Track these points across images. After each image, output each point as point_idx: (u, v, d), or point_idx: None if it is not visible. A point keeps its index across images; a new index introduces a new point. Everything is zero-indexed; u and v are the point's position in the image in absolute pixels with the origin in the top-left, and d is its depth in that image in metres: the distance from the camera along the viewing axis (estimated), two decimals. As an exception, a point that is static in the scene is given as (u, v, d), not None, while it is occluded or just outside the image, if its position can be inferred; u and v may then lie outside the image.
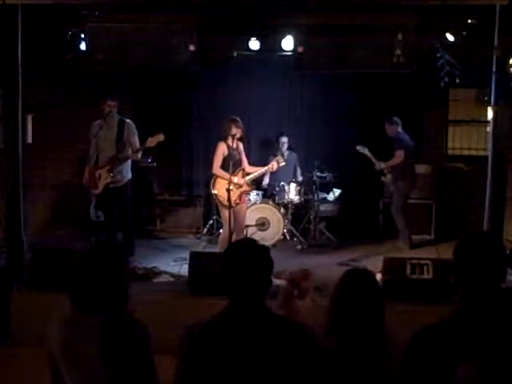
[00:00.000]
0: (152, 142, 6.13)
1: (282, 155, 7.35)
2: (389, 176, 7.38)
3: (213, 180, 6.42)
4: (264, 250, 2.21)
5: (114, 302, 2.28)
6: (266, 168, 6.74)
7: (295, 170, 8.26)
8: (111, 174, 6.23)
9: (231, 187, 6.12)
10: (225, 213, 6.33)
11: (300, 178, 8.13)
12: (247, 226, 6.93)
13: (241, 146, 6.53)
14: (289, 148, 8.19)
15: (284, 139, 8.13)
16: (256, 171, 6.66)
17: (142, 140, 6.30)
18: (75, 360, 2.23)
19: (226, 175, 6.17)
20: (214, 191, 6.39)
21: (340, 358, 2.36)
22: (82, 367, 2.22)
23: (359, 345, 2.38)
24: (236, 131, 6.29)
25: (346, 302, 2.43)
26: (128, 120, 6.41)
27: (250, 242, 2.26)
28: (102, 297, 2.26)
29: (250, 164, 6.76)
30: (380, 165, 7.28)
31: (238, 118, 6.35)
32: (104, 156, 6.33)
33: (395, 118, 7.26)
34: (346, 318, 2.41)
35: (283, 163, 6.93)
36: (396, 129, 7.25)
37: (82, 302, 2.27)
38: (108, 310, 2.26)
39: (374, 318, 2.41)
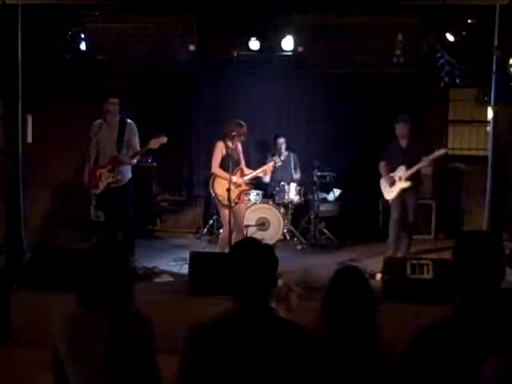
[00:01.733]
0: (155, 143, 6.07)
1: (279, 156, 7.36)
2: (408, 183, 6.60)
3: (212, 179, 6.43)
4: (269, 249, 2.23)
5: (118, 298, 2.30)
6: (262, 169, 6.73)
7: (293, 170, 8.21)
8: (112, 174, 6.21)
9: (232, 186, 6.15)
10: (224, 212, 6.33)
11: (297, 176, 8.09)
12: (247, 226, 6.93)
13: (239, 146, 6.55)
14: (288, 148, 8.19)
15: (281, 140, 8.14)
16: (252, 172, 6.65)
17: (143, 141, 6.27)
18: (80, 355, 2.25)
19: (226, 175, 6.17)
20: (213, 191, 6.40)
21: (328, 349, 2.40)
22: (87, 362, 2.24)
23: (347, 338, 2.44)
24: (240, 133, 6.29)
25: (337, 298, 2.49)
26: (129, 120, 6.39)
27: (255, 241, 2.27)
28: (107, 293, 2.28)
29: (248, 166, 6.77)
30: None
31: (243, 123, 6.35)
32: (105, 156, 6.30)
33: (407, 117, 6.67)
34: (336, 314, 2.47)
35: (279, 163, 6.97)
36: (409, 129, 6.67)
37: (88, 298, 2.29)
38: (113, 306, 2.28)
39: (363, 314, 2.46)
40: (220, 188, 6.31)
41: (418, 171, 6.59)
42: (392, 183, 6.63)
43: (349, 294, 2.48)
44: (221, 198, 6.32)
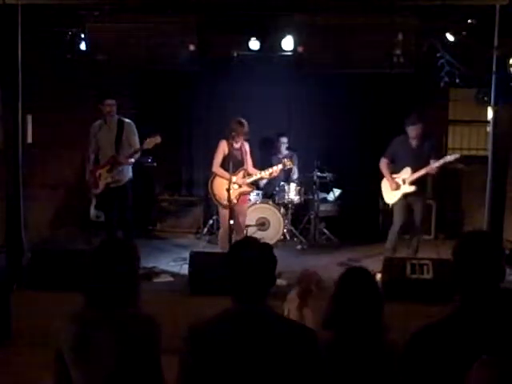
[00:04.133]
0: (149, 144, 6.13)
1: (291, 158, 7.18)
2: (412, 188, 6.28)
3: (211, 179, 6.42)
4: (267, 248, 2.22)
5: (126, 298, 2.30)
6: (269, 171, 6.45)
7: (291, 170, 8.16)
8: (111, 174, 6.23)
9: (231, 186, 6.13)
10: (221, 211, 6.34)
11: (295, 177, 8.07)
12: (247, 226, 6.92)
13: (246, 146, 6.47)
14: (288, 148, 8.19)
15: (284, 139, 8.14)
16: (257, 173, 6.47)
17: (142, 141, 6.30)
18: (85, 356, 2.24)
19: (226, 174, 6.17)
20: (211, 191, 6.39)
21: (336, 350, 2.40)
22: (93, 362, 2.24)
23: (356, 339, 2.44)
24: (239, 133, 6.26)
25: (345, 298, 2.49)
26: (127, 120, 6.41)
27: (253, 241, 2.26)
28: (114, 293, 2.28)
29: (255, 166, 6.65)
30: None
31: (244, 120, 6.32)
32: (105, 156, 6.33)
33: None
34: (345, 314, 2.47)
35: (289, 166, 6.66)
36: None
37: (95, 297, 2.29)
38: (120, 306, 2.28)
39: (372, 314, 2.47)
40: (218, 188, 6.30)
41: (425, 174, 6.19)
42: (396, 188, 6.28)
43: (358, 294, 2.47)
44: (217, 197, 6.31)
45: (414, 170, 6.19)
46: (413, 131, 6.17)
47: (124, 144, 6.29)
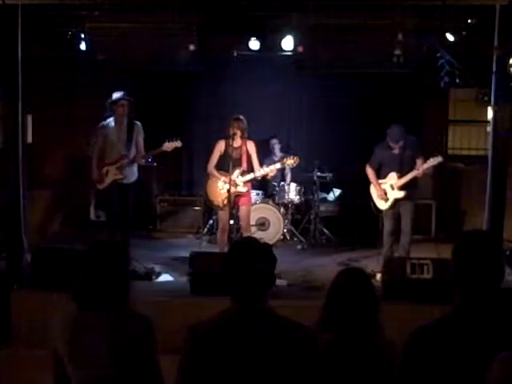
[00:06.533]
0: (169, 146, 6.10)
1: (295, 155, 7.00)
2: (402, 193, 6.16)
3: (205, 179, 6.41)
4: (267, 248, 2.22)
5: (116, 298, 2.30)
6: (267, 170, 6.27)
7: (284, 172, 8.07)
8: (121, 171, 6.18)
9: (220, 187, 6.15)
10: (219, 212, 6.34)
11: (288, 180, 8.04)
12: (247, 226, 6.92)
13: (250, 146, 6.29)
14: (283, 150, 8.15)
15: (273, 141, 8.14)
16: (252, 173, 6.27)
17: (152, 142, 6.25)
18: (82, 355, 2.24)
19: (217, 174, 6.18)
20: (205, 193, 6.40)
21: (334, 353, 2.39)
22: (89, 362, 2.24)
23: (353, 341, 2.43)
24: (235, 130, 6.22)
25: (341, 300, 2.48)
26: (137, 122, 6.38)
27: (253, 241, 2.26)
28: (105, 293, 2.28)
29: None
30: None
31: (241, 117, 6.28)
32: (112, 154, 6.24)
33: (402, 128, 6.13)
34: (340, 316, 2.45)
35: (293, 164, 6.42)
36: None
37: (86, 299, 2.29)
38: (111, 307, 2.28)
39: (368, 316, 2.46)
40: (210, 188, 6.30)
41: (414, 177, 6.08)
42: (384, 195, 6.16)
43: (353, 294, 2.45)
44: (210, 199, 6.32)
45: (401, 175, 6.09)
46: (395, 145, 6.07)
47: (133, 144, 6.27)
